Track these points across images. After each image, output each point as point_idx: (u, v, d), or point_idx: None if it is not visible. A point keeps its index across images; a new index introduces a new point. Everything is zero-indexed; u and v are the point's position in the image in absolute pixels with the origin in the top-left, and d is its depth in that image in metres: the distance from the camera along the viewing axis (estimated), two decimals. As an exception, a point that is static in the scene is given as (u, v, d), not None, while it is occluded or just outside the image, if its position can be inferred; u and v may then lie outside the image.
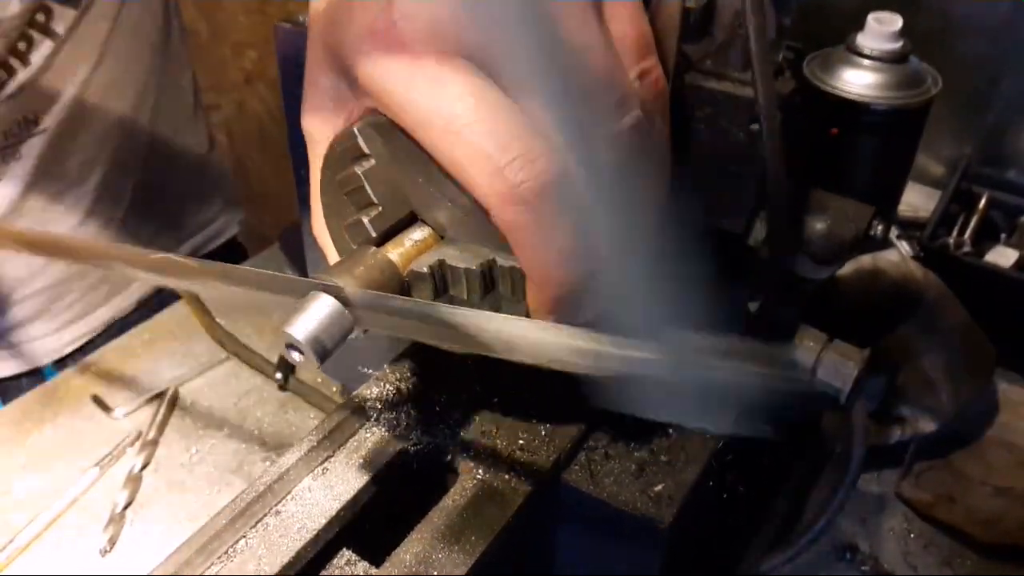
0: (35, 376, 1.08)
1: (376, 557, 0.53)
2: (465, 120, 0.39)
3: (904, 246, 0.94)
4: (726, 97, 0.49)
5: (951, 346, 0.81)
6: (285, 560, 0.51)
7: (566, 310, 0.44)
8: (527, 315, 0.47)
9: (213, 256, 1.23)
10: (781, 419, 0.55)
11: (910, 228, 0.99)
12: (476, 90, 0.40)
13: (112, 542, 0.77)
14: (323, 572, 0.53)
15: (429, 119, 0.40)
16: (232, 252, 1.26)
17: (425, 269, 0.46)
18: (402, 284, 0.46)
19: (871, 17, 0.72)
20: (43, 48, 0.90)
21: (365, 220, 0.48)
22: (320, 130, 0.50)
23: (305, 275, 1.01)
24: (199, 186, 1.22)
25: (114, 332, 1.09)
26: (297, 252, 1.08)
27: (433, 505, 0.55)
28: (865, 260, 0.84)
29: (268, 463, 0.84)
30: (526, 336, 0.39)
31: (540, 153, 0.39)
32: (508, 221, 0.40)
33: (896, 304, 0.82)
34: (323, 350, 0.44)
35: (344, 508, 0.54)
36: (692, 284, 0.39)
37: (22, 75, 0.91)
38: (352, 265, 0.45)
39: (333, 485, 0.56)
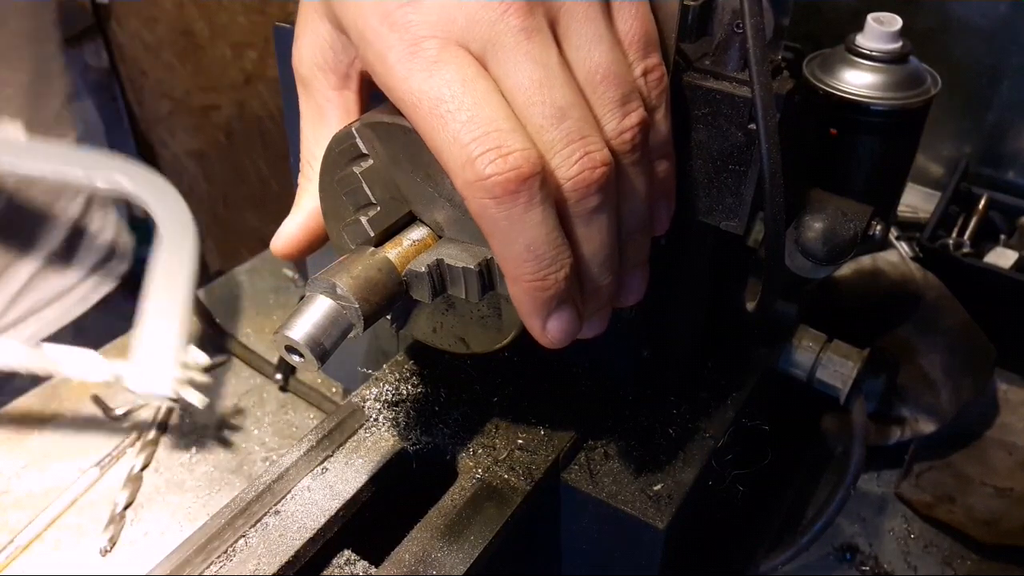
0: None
1: (376, 557, 0.53)
2: (449, 106, 0.40)
3: (903, 247, 0.94)
4: (724, 96, 0.49)
5: (951, 346, 0.81)
6: (284, 559, 0.51)
7: (544, 308, 0.44)
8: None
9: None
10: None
11: (910, 229, 0.99)
12: (467, 79, 0.40)
13: (112, 542, 0.77)
14: (323, 572, 0.53)
15: (419, 100, 0.40)
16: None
17: (423, 269, 0.46)
18: (400, 284, 0.46)
19: (870, 17, 0.72)
20: None
21: (363, 220, 0.48)
22: (316, 76, 0.51)
23: (305, 275, 1.02)
24: (77, 230, 1.11)
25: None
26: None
27: (432, 505, 0.55)
28: (865, 261, 0.84)
29: (268, 463, 0.84)
30: None
31: (515, 148, 0.39)
32: (476, 211, 0.41)
33: (895, 304, 0.82)
34: (322, 351, 0.44)
35: (344, 508, 0.54)
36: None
37: None
38: (350, 265, 0.45)
39: (332, 485, 0.56)
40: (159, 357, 0.77)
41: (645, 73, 0.44)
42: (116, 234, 1.19)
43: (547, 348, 0.46)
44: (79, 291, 1.13)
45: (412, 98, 0.41)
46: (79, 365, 0.78)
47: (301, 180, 0.53)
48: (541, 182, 0.40)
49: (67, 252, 1.10)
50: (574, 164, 0.41)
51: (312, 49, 0.50)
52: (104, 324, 1.04)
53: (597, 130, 0.42)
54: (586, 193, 0.41)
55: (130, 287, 1.15)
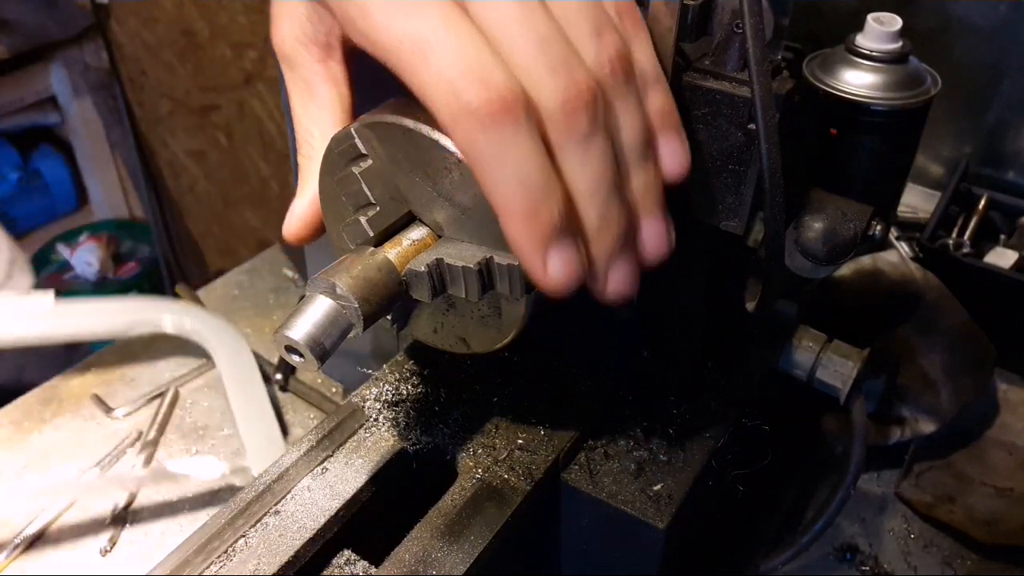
0: None
1: (376, 557, 0.53)
2: (432, 45, 0.40)
3: (904, 247, 0.94)
4: (723, 96, 0.49)
5: (951, 346, 0.81)
6: (284, 559, 0.51)
7: (541, 244, 0.42)
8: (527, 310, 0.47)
9: None
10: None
11: (910, 229, 0.99)
12: (448, 19, 0.41)
13: (112, 542, 0.77)
14: (323, 572, 0.53)
15: (401, 41, 0.41)
16: None
17: (423, 268, 0.46)
18: (400, 283, 0.46)
19: (870, 17, 0.72)
20: None
21: (363, 220, 0.48)
22: (299, 51, 0.51)
23: (305, 275, 1.02)
24: None
25: None
26: (297, 252, 1.08)
27: (432, 505, 0.55)
28: (865, 261, 0.84)
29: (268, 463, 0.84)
30: None
31: (499, 79, 0.40)
32: (463, 144, 0.41)
33: (895, 305, 0.82)
34: (322, 351, 0.44)
35: (344, 508, 0.54)
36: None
37: None
38: (350, 265, 0.45)
39: (332, 485, 0.56)
40: (268, 443, 0.85)
41: (617, 12, 0.45)
42: None
43: (556, 297, 0.44)
44: None
45: (394, 41, 0.41)
46: (203, 469, 0.84)
47: (301, 160, 0.53)
48: (526, 110, 0.40)
49: None
50: (559, 90, 0.41)
51: (291, 26, 0.51)
52: None
53: (579, 58, 0.42)
54: (573, 117, 0.41)
55: None
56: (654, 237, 0.47)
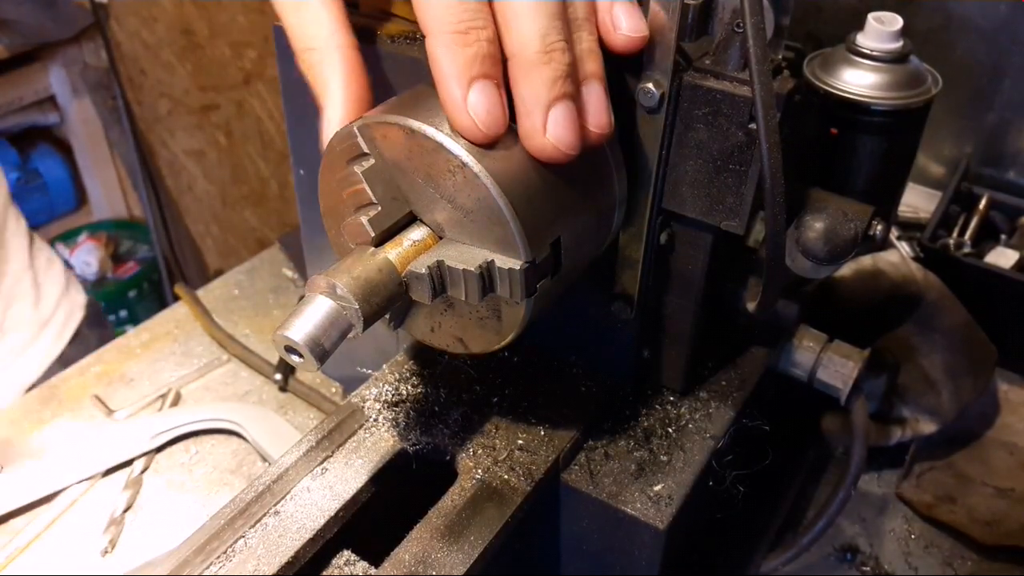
0: None
1: (376, 557, 0.53)
2: None
3: (904, 247, 0.94)
4: (724, 96, 0.49)
5: (951, 346, 0.81)
6: (284, 560, 0.51)
7: (465, 71, 0.41)
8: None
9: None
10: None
11: (910, 229, 0.99)
12: None
13: (112, 543, 0.77)
14: (323, 572, 0.53)
15: None
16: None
17: (423, 270, 0.46)
18: (400, 284, 0.46)
19: (871, 17, 0.72)
20: None
21: (364, 220, 0.48)
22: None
23: (305, 275, 1.01)
24: None
25: None
26: (297, 252, 1.08)
27: (432, 505, 0.55)
28: (865, 261, 0.84)
29: (268, 464, 0.84)
30: None
31: None
32: None
33: (896, 305, 0.82)
34: (322, 351, 0.44)
35: (343, 508, 0.54)
36: None
37: None
38: (350, 265, 0.45)
39: (332, 485, 0.56)
40: None
41: None
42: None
43: (471, 137, 0.43)
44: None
45: None
46: None
47: (314, 69, 0.50)
48: None
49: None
50: None
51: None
52: None
53: None
54: None
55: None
56: (596, 102, 0.46)
